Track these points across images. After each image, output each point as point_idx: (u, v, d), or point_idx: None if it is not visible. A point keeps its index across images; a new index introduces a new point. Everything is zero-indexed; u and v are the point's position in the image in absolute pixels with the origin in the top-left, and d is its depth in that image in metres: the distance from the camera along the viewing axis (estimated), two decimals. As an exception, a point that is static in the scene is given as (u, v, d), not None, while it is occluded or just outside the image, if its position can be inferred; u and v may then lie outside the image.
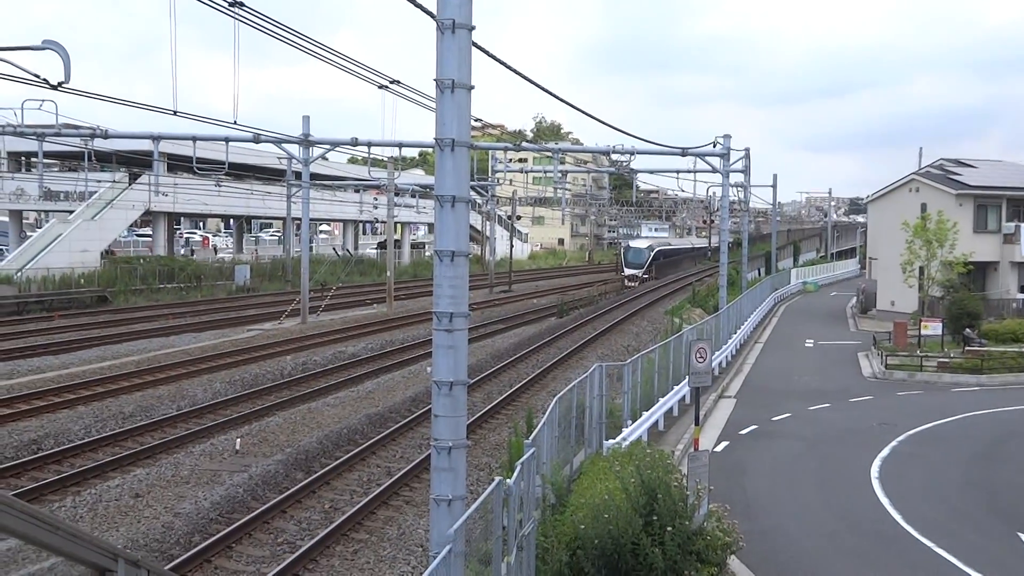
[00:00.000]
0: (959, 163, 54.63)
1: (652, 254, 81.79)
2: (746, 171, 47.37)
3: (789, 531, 15.83)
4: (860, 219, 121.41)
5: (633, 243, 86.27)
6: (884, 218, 51.90)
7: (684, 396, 24.43)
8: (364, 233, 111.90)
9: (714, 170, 40.56)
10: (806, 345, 41.85)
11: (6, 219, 69.21)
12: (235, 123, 27.57)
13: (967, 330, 37.06)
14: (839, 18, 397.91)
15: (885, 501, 17.54)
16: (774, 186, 72.37)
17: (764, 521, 16.23)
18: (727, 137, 39.21)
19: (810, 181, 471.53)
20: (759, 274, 71.93)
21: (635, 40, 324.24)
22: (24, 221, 71.88)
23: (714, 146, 39.09)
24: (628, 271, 77.76)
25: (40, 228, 65.99)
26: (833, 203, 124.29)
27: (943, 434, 23.70)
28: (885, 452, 21.44)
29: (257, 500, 17.34)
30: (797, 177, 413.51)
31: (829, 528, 16.03)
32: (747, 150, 46.45)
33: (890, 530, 15.96)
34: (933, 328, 36.57)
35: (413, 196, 64.39)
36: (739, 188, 50.74)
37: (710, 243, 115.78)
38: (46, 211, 67.98)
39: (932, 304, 41.51)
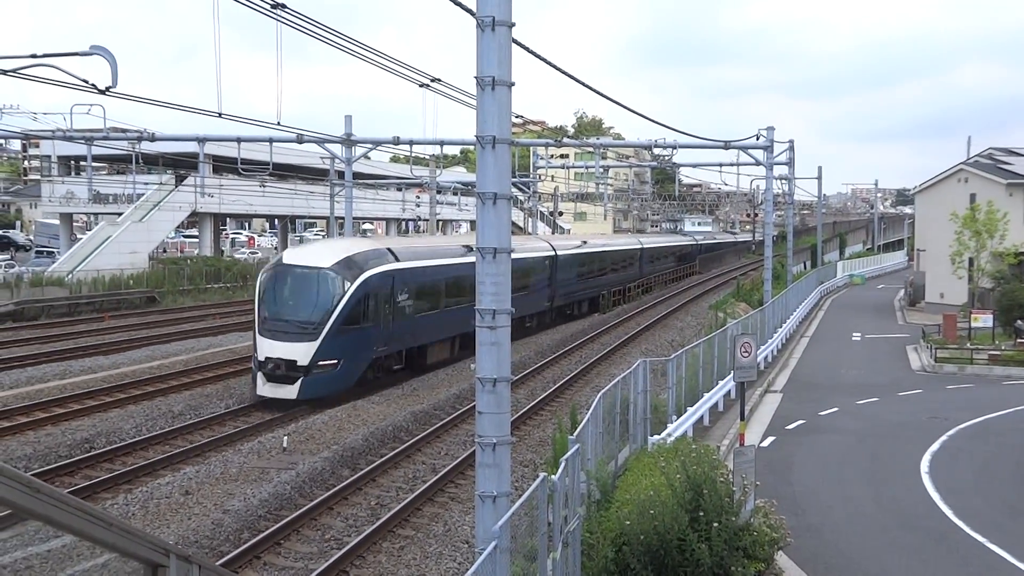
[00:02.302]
0: (1009, 152, 53.65)
1: (350, 293, 25.61)
2: (790, 163, 46.92)
3: (837, 527, 15.67)
4: (907, 210, 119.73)
5: (291, 255, 28.02)
6: (932, 209, 51.12)
7: (729, 391, 24.27)
8: (407, 231, 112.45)
9: (757, 163, 40.25)
10: (853, 338, 41.37)
11: (57, 222, 70.48)
12: (278, 124, 27.78)
13: (1018, 322, 36.38)
14: (884, 5, 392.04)
15: (936, 496, 17.31)
16: (819, 178, 71.79)
17: (812, 517, 16.09)
18: (771, 129, 38.85)
19: (856, 172, 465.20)
20: (805, 267, 71.21)
21: (676, 33, 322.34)
22: (74, 224, 73.18)
23: (757, 139, 38.75)
24: (266, 344, 24.83)
25: (90, 230, 67.14)
26: (880, 194, 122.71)
27: (995, 428, 23.31)
28: (935, 447, 21.14)
29: (305, 497, 17.50)
30: (842, 169, 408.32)
31: (878, 524, 15.85)
32: (791, 142, 46.03)
33: (941, 525, 15.75)
34: (983, 320, 35.96)
35: (455, 194, 64.60)
36: (783, 181, 50.30)
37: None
38: (95, 214, 69.15)
39: (982, 296, 40.81)
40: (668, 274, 71.26)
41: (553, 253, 43.39)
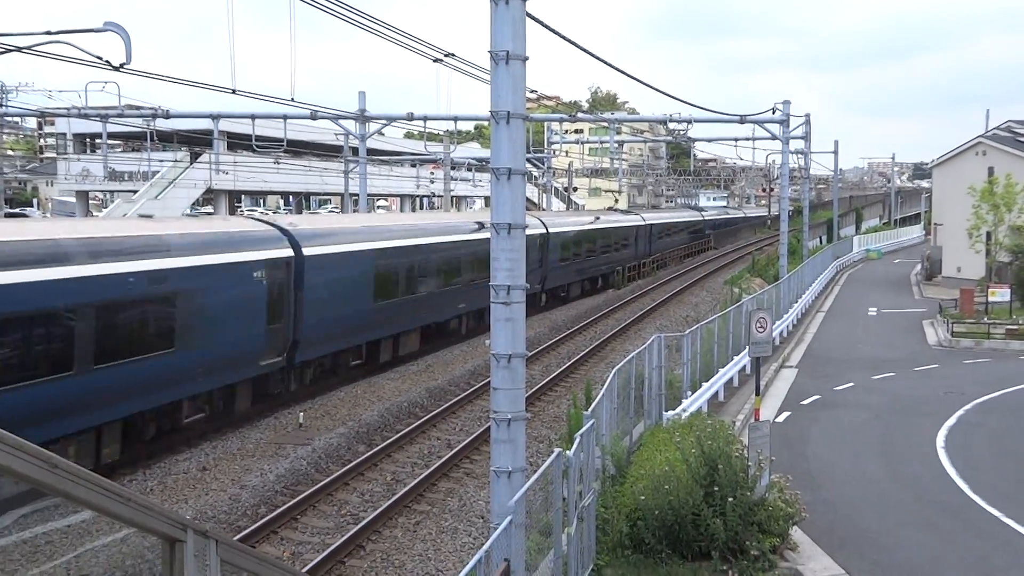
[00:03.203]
0: (1028, 125, 53.12)
1: None
2: (806, 137, 46.69)
3: (853, 501, 15.66)
4: (925, 184, 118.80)
5: None
6: (950, 183, 50.70)
7: (744, 366, 24.23)
8: (421, 207, 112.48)
9: (773, 137, 40.02)
10: (869, 313, 41.19)
11: (73, 200, 70.77)
12: (292, 100, 27.76)
13: (1036, 296, 36.17)
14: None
15: (951, 471, 17.26)
16: (835, 152, 71.31)
17: (827, 491, 16.08)
18: (786, 103, 38.59)
19: (873, 146, 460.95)
20: (821, 242, 70.87)
21: (691, 5, 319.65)
22: (90, 201, 73.44)
23: (773, 113, 38.52)
24: None
25: (106, 208, 67.39)
26: (896, 168, 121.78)
27: (1012, 403, 23.20)
28: (951, 421, 21.07)
29: (321, 473, 17.62)
30: (859, 142, 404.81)
31: (894, 498, 15.83)
32: (807, 116, 45.82)
33: (956, 500, 15.72)
34: (1001, 294, 35.74)
35: (469, 169, 64.47)
36: (799, 155, 50.01)
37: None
38: (111, 191, 69.33)
39: (1000, 270, 40.54)
40: (595, 278, 50.20)
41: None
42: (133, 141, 66.63)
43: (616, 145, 44.38)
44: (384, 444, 19.15)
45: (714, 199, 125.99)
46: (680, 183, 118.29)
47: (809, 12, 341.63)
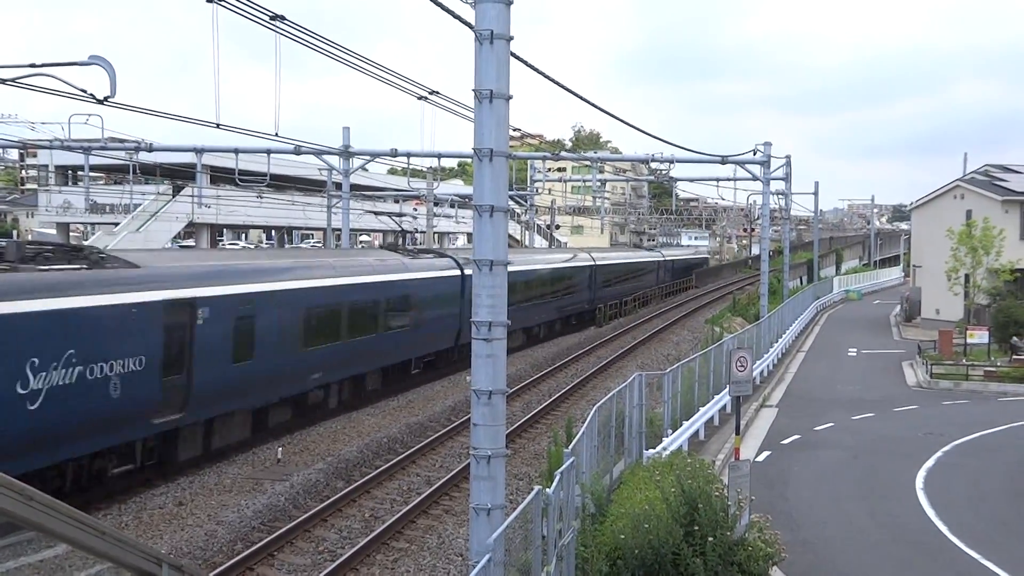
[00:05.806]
0: (1005, 169, 53.82)
1: None
2: (787, 178, 47.03)
3: (832, 542, 15.64)
4: (904, 226, 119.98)
5: None
6: (928, 225, 51.23)
7: (725, 405, 24.24)
8: (404, 242, 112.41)
9: (754, 178, 40.30)
10: (849, 354, 41.38)
11: (53, 232, 70.45)
12: (276, 135, 27.76)
13: (1014, 338, 36.40)
14: (881, 20, 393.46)
15: (931, 512, 17.29)
16: (816, 193, 71.82)
17: (807, 532, 16.06)
18: (767, 144, 38.91)
19: (852, 188, 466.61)
20: (801, 282, 71.26)
21: (672, 47, 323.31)
22: (71, 234, 73.14)
23: (754, 154, 38.79)
24: None
25: (86, 241, 67.08)
26: (876, 210, 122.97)
27: (990, 444, 23.31)
28: (930, 463, 21.13)
29: (298, 508, 17.46)
30: (839, 184, 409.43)
31: (873, 539, 15.83)
32: (788, 157, 46.16)
33: (935, 541, 15.73)
34: (979, 336, 36.02)
35: (452, 206, 64.63)
36: (780, 196, 50.39)
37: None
38: (92, 224, 69.10)
39: (978, 312, 40.88)
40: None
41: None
42: (115, 174, 66.57)
43: (598, 184, 44.59)
44: (363, 480, 19.01)
45: (696, 238, 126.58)
46: (662, 222, 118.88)
47: (788, 55, 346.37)
